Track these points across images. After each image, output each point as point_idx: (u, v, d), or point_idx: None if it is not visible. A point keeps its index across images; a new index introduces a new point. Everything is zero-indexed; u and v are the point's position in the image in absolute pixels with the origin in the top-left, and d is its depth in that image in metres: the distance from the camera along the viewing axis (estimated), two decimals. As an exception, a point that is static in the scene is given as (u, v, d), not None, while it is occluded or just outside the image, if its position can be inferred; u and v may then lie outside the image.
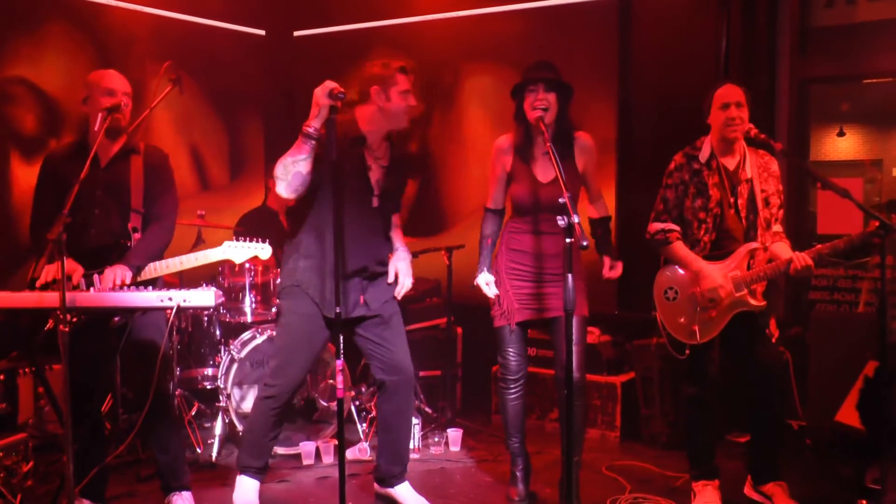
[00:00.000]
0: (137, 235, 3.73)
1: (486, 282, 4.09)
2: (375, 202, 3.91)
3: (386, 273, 4.01)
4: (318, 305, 3.85)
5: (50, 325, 3.18)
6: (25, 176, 5.49)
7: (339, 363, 3.46)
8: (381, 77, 3.81)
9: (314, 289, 3.84)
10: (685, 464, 4.16)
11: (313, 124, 3.56)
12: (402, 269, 4.04)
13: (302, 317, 3.89)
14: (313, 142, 3.58)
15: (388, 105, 3.81)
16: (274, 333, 4.76)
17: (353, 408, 5.06)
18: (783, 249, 3.82)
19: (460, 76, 6.46)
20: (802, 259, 3.65)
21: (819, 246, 3.67)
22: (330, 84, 3.44)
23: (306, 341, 3.93)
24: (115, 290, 3.38)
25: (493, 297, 4.07)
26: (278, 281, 4.25)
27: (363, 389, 5.28)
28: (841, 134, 8.66)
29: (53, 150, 3.87)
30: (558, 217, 3.21)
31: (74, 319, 3.21)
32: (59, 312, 3.07)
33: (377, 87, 3.81)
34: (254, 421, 4.04)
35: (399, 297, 4.05)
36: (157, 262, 3.67)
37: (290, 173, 3.61)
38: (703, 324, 3.87)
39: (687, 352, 3.91)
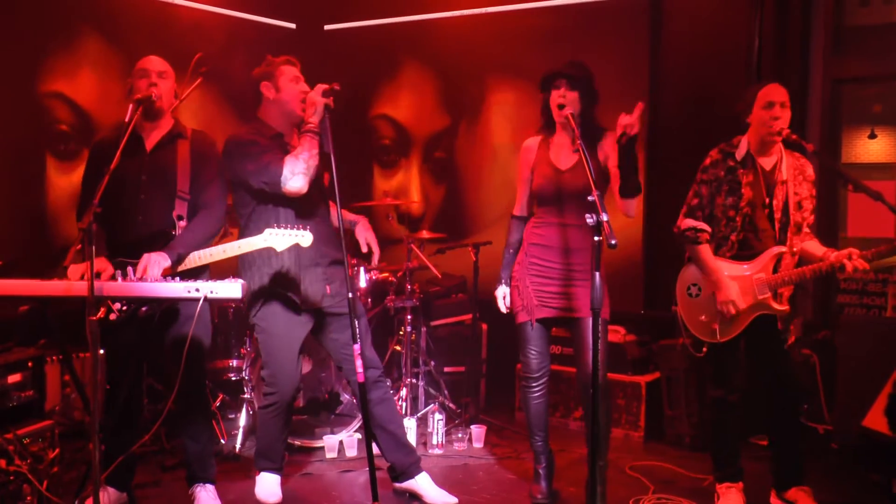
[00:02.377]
0: (183, 223, 3.72)
1: (502, 295, 4.12)
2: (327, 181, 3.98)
3: (341, 261, 3.99)
4: (298, 302, 3.89)
5: (102, 313, 3.18)
6: (60, 182, 5.56)
7: (357, 348, 3.48)
8: (266, 73, 3.92)
9: (288, 285, 3.89)
10: (709, 465, 4.12)
11: (313, 121, 3.71)
12: (370, 238, 4.10)
13: (281, 320, 3.94)
14: (318, 137, 3.73)
15: (279, 95, 3.90)
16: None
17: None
18: (815, 247, 3.79)
19: (486, 75, 6.44)
20: (857, 261, 3.57)
21: (854, 251, 3.60)
22: (323, 85, 3.68)
23: (289, 344, 3.98)
24: (143, 279, 3.38)
25: (504, 311, 4.09)
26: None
27: (387, 382, 5.29)
28: (872, 136, 8.55)
29: (102, 137, 3.84)
30: (587, 215, 3.19)
31: (125, 307, 3.22)
32: (108, 302, 3.08)
33: (265, 82, 3.91)
34: (262, 428, 4.11)
35: (375, 263, 4.14)
36: (200, 251, 3.66)
37: (311, 167, 3.71)
38: (724, 323, 3.84)
39: (704, 350, 3.89)
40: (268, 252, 3.74)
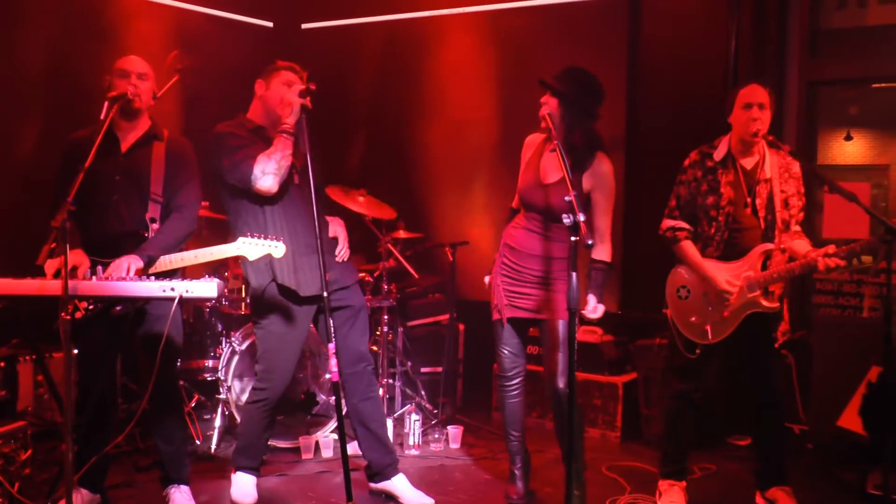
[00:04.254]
0: (156, 226, 3.71)
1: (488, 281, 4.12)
2: (297, 178, 3.95)
3: (333, 248, 4.07)
4: (295, 290, 3.89)
5: (69, 310, 3.15)
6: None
7: (332, 347, 3.47)
8: (266, 71, 3.98)
9: (288, 276, 3.89)
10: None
11: (289, 121, 3.74)
12: (340, 234, 4.12)
13: (280, 316, 3.94)
14: (293, 137, 3.75)
15: (266, 93, 3.95)
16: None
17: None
18: (802, 246, 3.78)
19: (463, 75, 6.45)
20: (830, 259, 3.57)
21: (853, 245, 3.59)
22: (299, 85, 3.77)
23: (287, 342, 3.99)
24: (120, 280, 3.36)
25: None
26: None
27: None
28: (848, 138, 8.63)
29: (74, 135, 3.80)
30: (564, 215, 3.19)
31: (91, 307, 3.20)
32: (75, 301, 3.05)
33: (260, 79, 3.98)
34: (246, 424, 4.10)
35: (341, 259, 4.12)
36: (172, 255, 3.65)
37: (283, 168, 3.74)
38: (716, 323, 3.85)
39: (697, 351, 3.90)
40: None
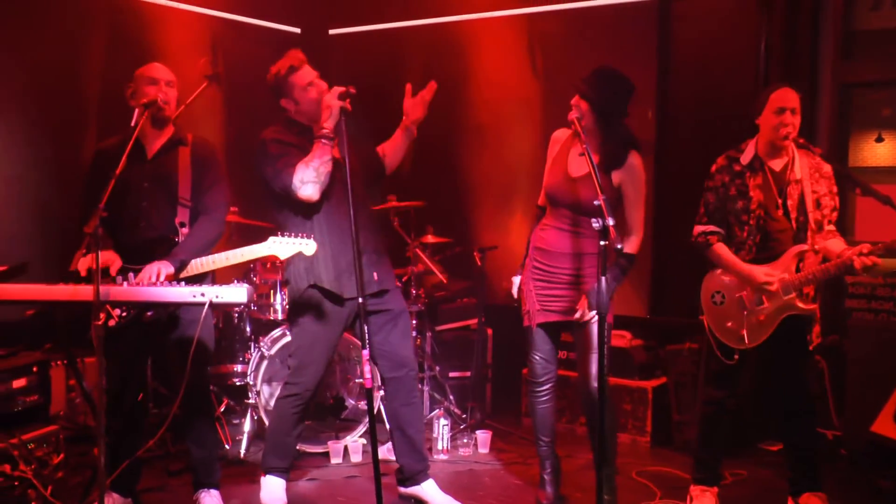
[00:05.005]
0: (185, 230, 3.73)
1: (517, 282, 4.10)
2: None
3: (386, 253, 4.09)
4: (336, 293, 3.90)
5: (101, 319, 3.18)
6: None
7: (365, 353, 3.47)
8: (278, 88, 3.95)
9: (329, 279, 3.90)
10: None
11: (327, 126, 3.70)
12: None
13: (317, 316, 3.95)
14: (332, 142, 3.72)
15: (300, 107, 3.94)
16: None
17: (381, 406, 5.05)
18: (837, 245, 3.73)
19: (494, 79, 6.43)
20: (868, 260, 3.53)
21: (869, 245, 3.55)
22: (339, 88, 3.64)
23: (321, 339, 3.99)
24: (152, 285, 3.38)
25: (515, 297, 4.07)
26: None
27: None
28: (880, 139, 8.53)
29: (103, 143, 3.85)
30: (593, 220, 3.19)
31: (124, 314, 3.23)
32: (108, 307, 3.08)
33: (283, 98, 3.96)
34: (276, 420, 4.10)
35: None
36: (203, 258, 3.68)
37: (322, 174, 3.73)
38: (752, 328, 3.82)
39: (736, 357, 3.86)
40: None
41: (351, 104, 3.66)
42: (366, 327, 3.53)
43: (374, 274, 3.98)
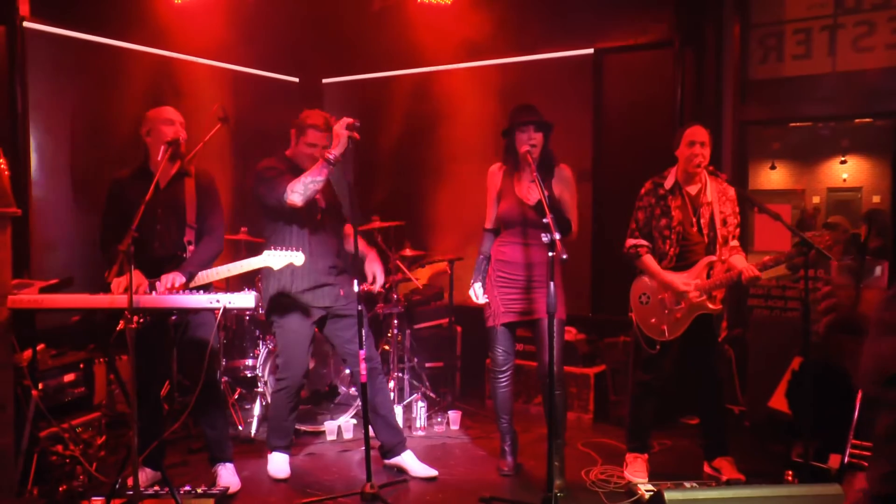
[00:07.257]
0: (192, 248, 3.71)
1: (475, 290, 4.09)
2: (319, 216, 3.98)
3: (346, 270, 4.07)
4: (308, 304, 3.92)
5: (121, 325, 3.17)
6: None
7: (363, 353, 3.46)
8: (298, 125, 3.95)
9: (303, 290, 3.92)
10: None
11: (334, 152, 3.65)
12: (377, 270, 4.07)
13: (293, 319, 3.96)
14: (332, 166, 3.68)
15: (298, 151, 3.95)
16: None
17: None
18: (738, 261, 3.80)
19: (460, 122, 6.43)
20: (750, 271, 3.64)
21: (766, 258, 3.66)
22: (347, 119, 3.59)
23: (301, 338, 4.00)
24: (172, 294, 3.36)
25: (482, 304, 4.06)
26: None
27: (382, 374, 5.25)
28: (773, 168, 8.68)
29: (119, 174, 3.80)
30: (542, 234, 3.22)
31: (142, 320, 3.20)
32: (127, 313, 3.06)
33: (294, 130, 3.97)
34: (274, 409, 4.11)
35: (377, 290, 4.13)
36: (208, 270, 3.65)
37: (309, 190, 3.70)
38: (671, 324, 3.87)
39: (658, 347, 3.90)
40: (289, 267, 3.68)
41: (357, 133, 3.61)
42: (362, 330, 3.55)
43: (341, 291, 4.01)
